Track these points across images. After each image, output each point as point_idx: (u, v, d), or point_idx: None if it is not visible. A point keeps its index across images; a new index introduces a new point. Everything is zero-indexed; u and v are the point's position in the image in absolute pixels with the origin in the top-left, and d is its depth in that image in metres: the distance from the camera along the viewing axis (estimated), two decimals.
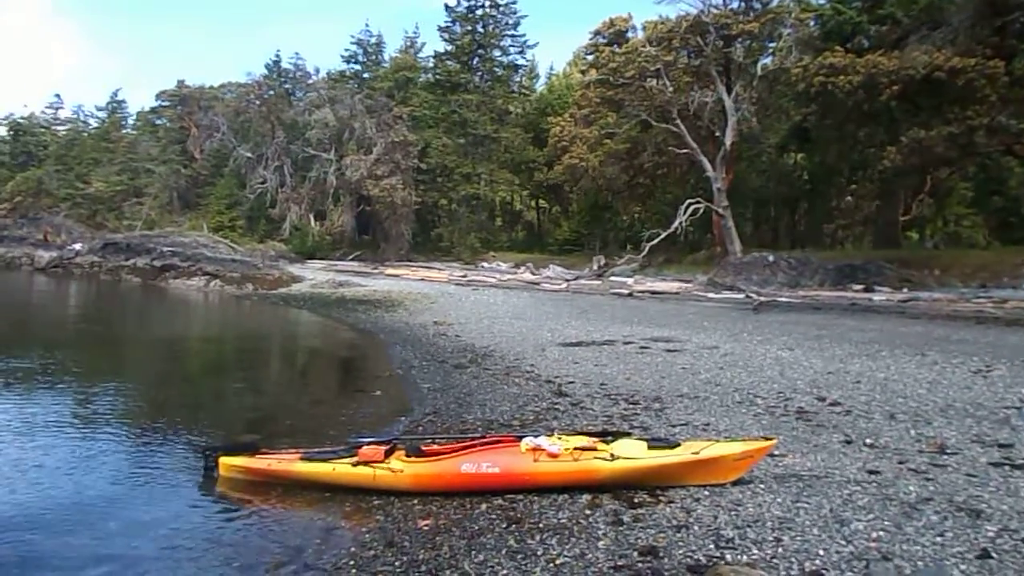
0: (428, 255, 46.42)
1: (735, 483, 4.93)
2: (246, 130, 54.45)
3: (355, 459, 5.22)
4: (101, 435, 7.17)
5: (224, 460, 5.59)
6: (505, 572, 3.83)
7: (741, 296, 24.15)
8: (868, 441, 6.00)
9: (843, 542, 3.91)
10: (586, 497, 4.82)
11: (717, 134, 34.29)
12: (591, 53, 40.95)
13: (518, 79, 55.61)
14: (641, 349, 11.97)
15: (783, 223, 41.87)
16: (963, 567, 3.60)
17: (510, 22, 50.46)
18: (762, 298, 22.88)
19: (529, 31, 73.40)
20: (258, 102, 54.49)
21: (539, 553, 4.01)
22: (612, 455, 4.94)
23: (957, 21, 25.01)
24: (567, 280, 32.37)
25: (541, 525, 4.43)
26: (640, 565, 3.77)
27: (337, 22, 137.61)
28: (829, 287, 24.99)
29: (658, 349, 11.91)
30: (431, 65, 54.91)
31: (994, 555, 3.71)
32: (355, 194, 48.28)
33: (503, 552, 4.07)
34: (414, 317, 18.46)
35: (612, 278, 32.25)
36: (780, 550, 3.85)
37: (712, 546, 3.96)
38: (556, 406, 7.75)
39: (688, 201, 33.12)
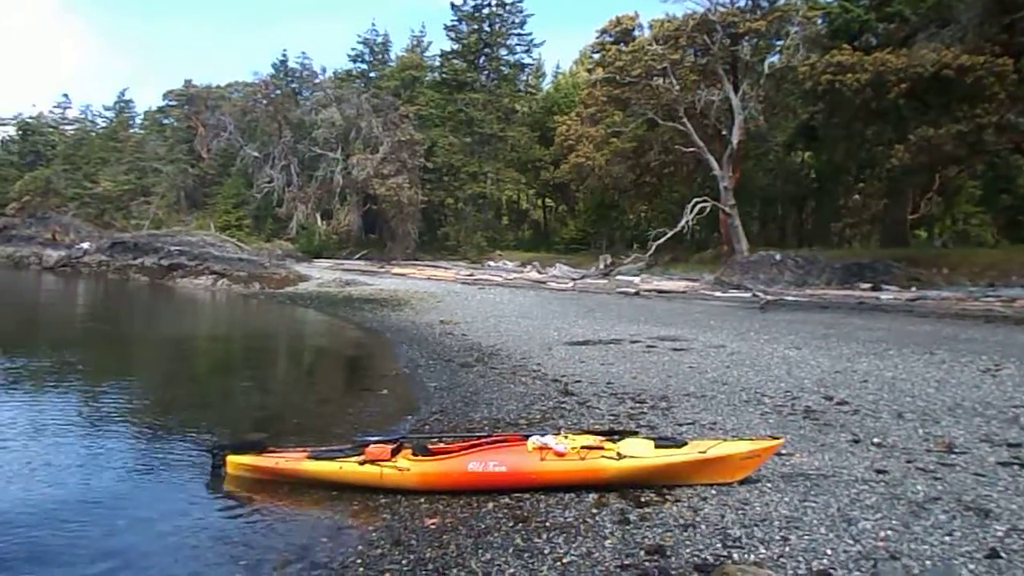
0: (434, 254, 46.43)
1: (742, 482, 4.93)
2: (253, 129, 54.57)
3: (362, 458, 5.23)
4: (109, 433, 7.21)
5: (232, 458, 5.61)
6: (512, 571, 3.83)
7: (748, 295, 24.08)
8: (876, 440, 5.98)
9: (851, 541, 3.91)
10: (593, 496, 4.83)
11: (724, 132, 34.18)
12: (597, 52, 40.93)
13: (524, 78, 55.52)
14: (648, 348, 11.96)
15: (790, 222, 41.74)
16: (972, 567, 3.59)
17: (516, 21, 50.42)
18: (769, 297, 22.81)
19: (535, 30, 73.43)
20: (265, 101, 54.60)
21: (546, 552, 4.02)
22: (619, 454, 4.94)
23: (966, 19, 24.87)
24: (573, 279, 32.34)
25: (548, 524, 4.43)
26: (647, 564, 3.77)
27: (343, 21, 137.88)
28: (836, 286, 24.88)
29: (665, 348, 11.90)
30: (437, 64, 54.92)
31: (1003, 555, 3.70)
32: (361, 193, 48.33)
33: (510, 551, 4.08)
34: (420, 316, 18.48)
35: (618, 277, 32.22)
36: (787, 549, 3.84)
37: (719, 545, 3.95)
38: (563, 405, 7.75)
39: (695, 200, 33.02)
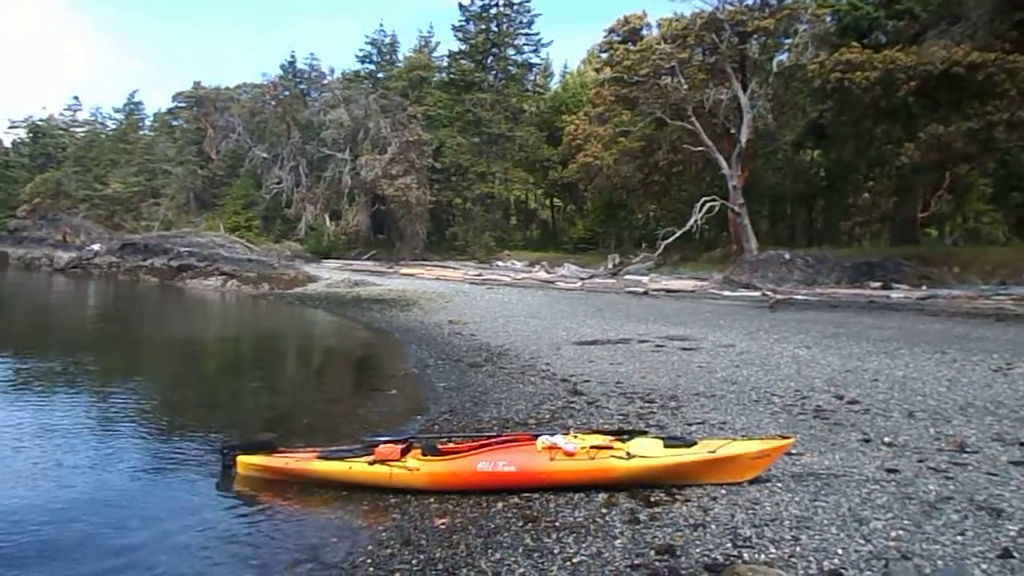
0: (443, 254, 46.45)
1: (752, 482, 4.91)
2: (262, 131, 54.73)
3: (372, 458, 5.25)
4: (120, 433, 7.26)
5: (242, 459, 5.63)
6: (522, 571, 3.83)
7: (757, 294, 24.02)
8: (887, 439, 5.96)
9: (862, 541, 3.89)
10: (602, 496, 4.82)
11: (732, 131, 34.07)
12: (605, 51, 40.80)
13: (532, 78, 55.48)
14: (657, 347, 11.94)
15: (799, 220, 41.54)
16: (984, 567, 3.57)
17: (524, 21, 50.36)
18: (778, 296, 22.74)
19: (543, 29, 73.50)
20: (273, 103, 54.75)
21: (556, 552, 4.02)
22: (628, 454, 4.93)
23: (976, 16, 24.73)
24: (582, 279, 32.32)
25: (557, 524, 4.43)
26: (657, 564, 3.77)
27: (351, 22, 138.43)
28: (846, 285, 24.79)
29: (674, 347, 11.87)
30: (445, 64, 54.90)
31: (1016, 554, 3.68)
32: (370, 193, 48.39)
33: (520, 551, 4.08)
34: (429, 316, 18.50)
35: (627, 276, 32.18)
36: (798, 549, 3.83)
37: (729, 545, 3.94)
38: (572, 404, 7.74)
39: (703, 199, 32.89)
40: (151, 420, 8.00)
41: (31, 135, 71.57)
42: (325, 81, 57.13)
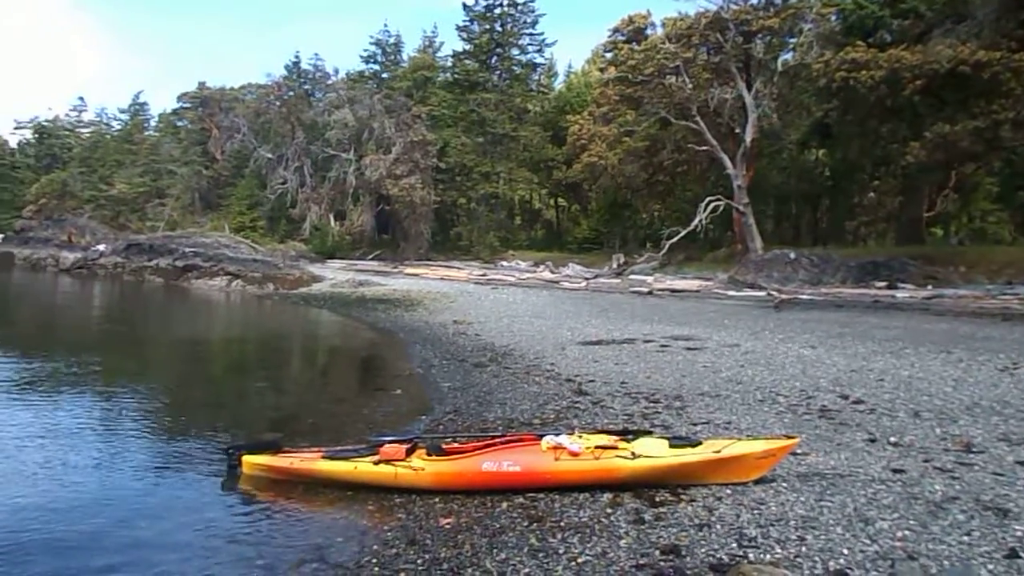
0: (447, 254, 46.46)
1: (757, 482, 4.91)
2: (266, 131, 54.82)
3: (377, 458, 5.25)
4: (126, 433, 7.28)
5: (247, 458, 5.65)
6: (527, 570, 3.83)
7: (762, 294, 23.99)
8: (892, 439, 5.94)
9: (868, 541, 3.88)
10: (607, 496, 4.82)
11: (737, 131, 34.02)
12: (610, 51, 40.80)
13: (536, 77, 55.41)
14: (661, 347, 11.92)
15: (804, 220, 41.45)
16: (990, 567, 3.56)
17: (528, 20, 50.31)
18: (783, 296, 22.71)
19: (547, 29, 73.61)
20: (278, 103, 54.83)
21: (561, 552, 4.02)
22: (633, 454, 4.93)
23: (982, 14, 24.65)
24: (586, 279, 32.30)
25: (562, 524, 4.43)
26: (662, 564, 3.76)
27: (355, 22, 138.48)
28: (852, 284, 24.73)
29: (678, 347, 11.86)
30: (449, 64, 54.91)
31: (1022, 555, 3.66)
32: (374, 194, 48.44)
33: (524, 550, 4.08)
34: (434, 316, 18.51)
35: (631, 276, 32.13)
36: (804, 549, 3.82)
37: (735, 545, 3.94)
38: (576, 404, 7.74)
39: (708, 198, 32.87)
40: (157, 420, 8.02)
41: (37, 136, 71.91)
42: (329, 81, 57.22)
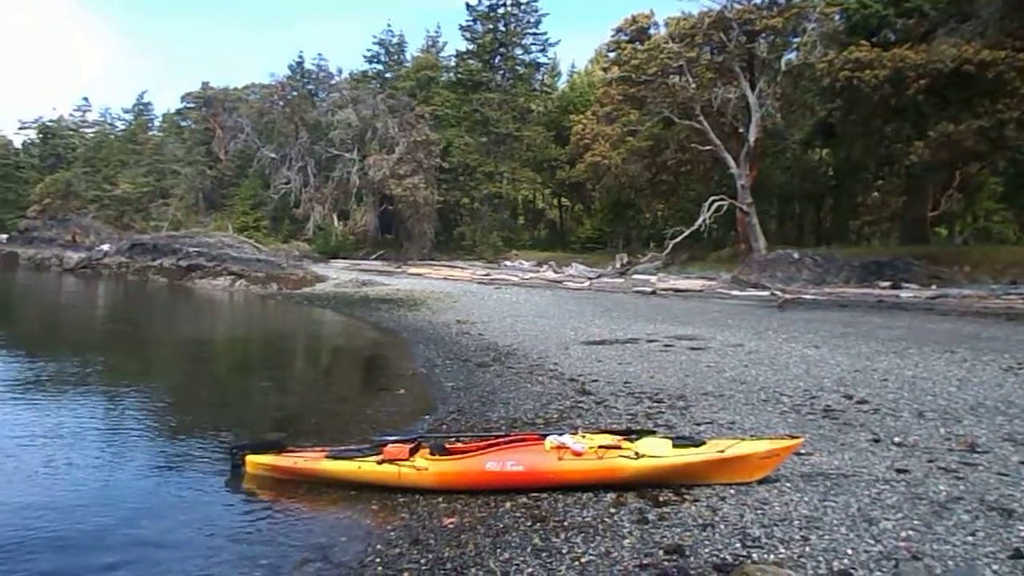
0: (451, 254, 46.52)
1: (761, 482, 4.90)
2: (270, 131, 54.93)
3: (380, 457, 5.25)
4: (130, 433, 7.29)
5: (251, 458, 5.65)
6: (530, 570, 3.83)
7: (766, 293, 23.97)
8: (896, 439, 5.93)
9: (872, 541, 3.87)
10: (611, 495, 4.81)
11: (741, 130, 34.02)
12: (613, 50, 40.79)
13: (540, 77, 55.51)
14: (665, 347, 11.91)
15: (808, 220, 41.42)
16: (995, 567, 3.54)
17: (531, 20, 50.41)
18: (787, 295, 22.69)
19: (551, 29, 73.60)
20: (281, 103, 54.96)
21: (564, 551, 4.01)
22: (637, 453, 4.92)
23: (986, 13, 24.61)
24: (590, 278, 32.30)
25: (566, 523, 4.43)
26: (666, 564, 3.76)
27: (359, 22, 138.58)
28: (855, 284, 24.70)
29: (682, 347, 11.85)
30: (453, 64, 55.01)
31: None
32: (378, 193, 48.53)
33: (528, 550, 4.08)
34: (437, 316, 18.51)
35: (635, 276, 32.13)
36: (807, 549, 3.81)
37: (738, 545, 3.93)
38: (580, 404, 7.73)
39: (712, 198, 32.85)
40: (161, 419, 8.04)
41: (41, 136, 72.16)
42: (333, 81, 57.36)
